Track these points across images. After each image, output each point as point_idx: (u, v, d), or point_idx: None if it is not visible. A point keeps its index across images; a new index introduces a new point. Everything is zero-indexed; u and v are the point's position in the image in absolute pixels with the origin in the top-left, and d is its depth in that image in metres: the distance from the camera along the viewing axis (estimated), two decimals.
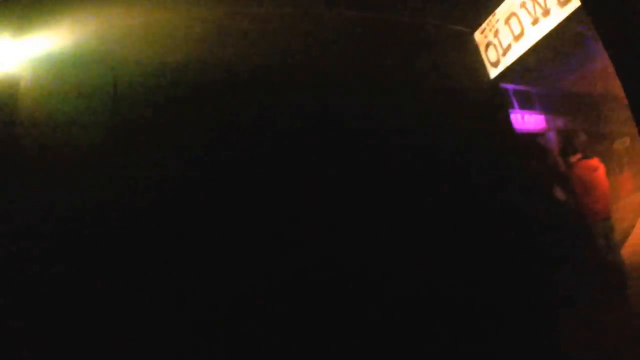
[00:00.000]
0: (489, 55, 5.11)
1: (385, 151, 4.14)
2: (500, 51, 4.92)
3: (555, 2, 4.20)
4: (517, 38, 4.68)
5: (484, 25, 5.18)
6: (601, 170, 5.07)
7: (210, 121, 3.73)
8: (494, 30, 5.01)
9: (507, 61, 4.86)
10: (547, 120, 7.99)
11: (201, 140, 3.65)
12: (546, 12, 4.32)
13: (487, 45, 5.14)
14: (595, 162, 5.16)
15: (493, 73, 5.10)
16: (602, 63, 10.71)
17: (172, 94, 3.68)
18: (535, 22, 4.45)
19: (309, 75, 4.12)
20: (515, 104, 7.21)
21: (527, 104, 7.78)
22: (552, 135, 7.77)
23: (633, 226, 7.75)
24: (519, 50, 4.68)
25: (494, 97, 5.20)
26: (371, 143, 4.13)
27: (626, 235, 7.35)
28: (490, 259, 3.97)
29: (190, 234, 3.35)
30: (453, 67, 5.12)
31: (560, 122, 8.43)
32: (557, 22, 4.21)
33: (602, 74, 11.20)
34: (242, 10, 4.32)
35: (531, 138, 7.42)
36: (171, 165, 3.48)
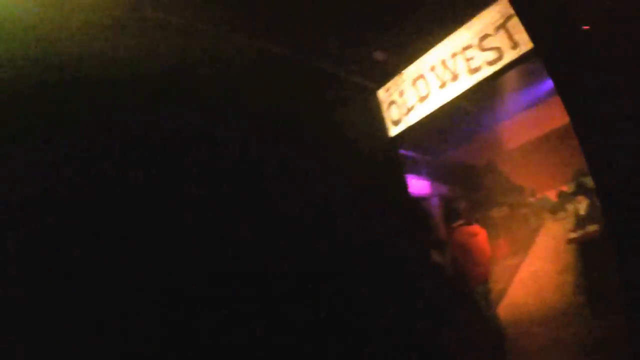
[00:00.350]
0: (391, 114, 4.81)
1: (266, 194, 3.43)
2: (404, 110, 4.65)
3: (465, 69, 4.07)
4: (422, 99, 4.46)
5: (389, 84, 4.94)
6: (481, 236, 5.19)
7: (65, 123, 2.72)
8: (399, 90, 4.77)
9: (408, 121, 4.61)
10: (431, 187, 8.07)
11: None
12: (455, 78, 4.17)
13: (390, 104, 4.86)
14: (475, 228, 5.29)
15: (393, 131, 4.81)
16: (485, 138, 11.61)
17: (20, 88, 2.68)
18: (442, 85, 4.27)
19: (196, 96, 3.34)
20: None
21: (413, 169, 7.80)
22: (436, 201, 7.83)
23: (508, 287, 8.14)
24: (422, 111, 4.47)
25: (390, 155, 4.87)
26: (252, 184, 3.38)
27: (502, 295, 7.71)
28: (374, 317, 3.60)
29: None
30: (353, 120, 4.71)
31: (443, 189, 8.63)
32: (465, 89, 4.07)
33: (485, 147, 12.15)
34: (135, 14, 3.45)
35: (416, 202, 7.38)
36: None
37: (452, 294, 5.11)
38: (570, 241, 6.45)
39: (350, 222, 3.88)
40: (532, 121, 11.00)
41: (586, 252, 6.39)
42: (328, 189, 3.87)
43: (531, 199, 11.92)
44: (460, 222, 5.35)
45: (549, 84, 10.00)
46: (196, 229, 2.82)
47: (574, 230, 6.49)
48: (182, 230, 2.75)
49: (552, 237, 9.17)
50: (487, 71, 3.92)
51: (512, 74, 8.75)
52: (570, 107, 3.14)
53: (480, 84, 4.04)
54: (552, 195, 10.31)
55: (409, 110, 4.57)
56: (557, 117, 10.23)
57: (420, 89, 4.50)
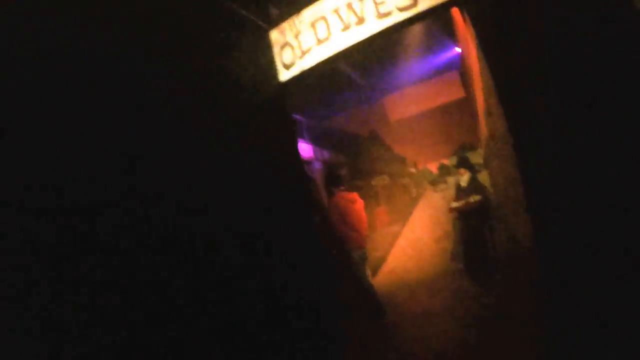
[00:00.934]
0: (284, 57, 4.15)
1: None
2: (298, 53, 4.02)
3: (374, 13, 3.57)
4: (320, 42, 3.88)
5: (284, 24, 4.27)
6: (359, 203, 5.28)
7: None
8: (295, 31, 4.12)
9: (303, 64, 4.02)
10: (314, 151, 7.63)
11: None
12: (361, 21, 3.63)
13: (284, 46, 4.20)
14: (354, 195, 5.37)
15: (284, 75, 4.17)
16: (371, 108, 11.59)
17: None
18: (346, 29, 3.73)
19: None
20: None
21: (297, 132, 7.28)
22: (318, 166, 7.45)
23: (388, 254, 8.31)
24: (320, 55, 3.90)
25: (279, 102, 4.21)
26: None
27: (381, 262, 7.90)
28: (256, 277, 3.14)
29: None
30: (241, 58, 3.99)
31: (327, 155, 8.28)
32: (371, 34, 3.58)
33: (370, 117, 12.18)
34: None
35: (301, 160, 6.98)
36: None
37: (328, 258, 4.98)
38: (452, 210, 6.63)
39: (231, 170, 3.28)
40: (418, 96, 11.21)
41: (465, 221, 6.57)
42: (206, 124, 3.22)
43: (412, 170, 12.26)
44: (342, 188, 5.41)
45: (438, 60, 10.15)
46: None
47: (456, 200, 6.61)
48: None
49: (432, 207, 9.47)
50: (398, 17, 3.46)
51: (403, 46, 8.60)
52: (495, 72, 2.95)
53: (389, 31, 3.56)
54: (433, 167, 10.62)
55: (304, 53, 3.96)
56: (442, 94, 10.55)
57: (319, 31, 3.90)
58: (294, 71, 4.01)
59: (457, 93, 9.99)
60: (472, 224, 6.64)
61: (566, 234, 2.53)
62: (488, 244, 6.54)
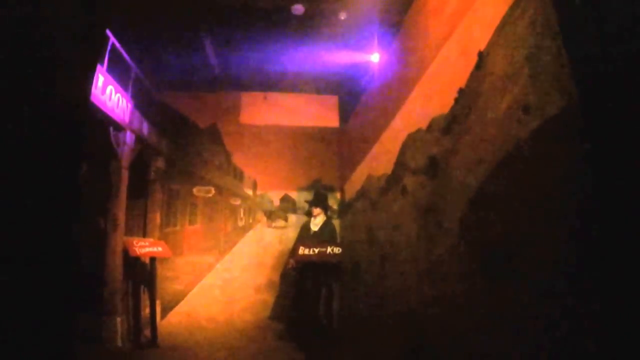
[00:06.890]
0: None
1: None
2: None
3: None
4: None
5: None
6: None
7: None
8: None
9: None
10: (133, 115, 5.84)
11: None
12: None
13: None
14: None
15: None
16: (220, 98, 10.28)
17: None
18: None
19: None
20: (105, 66, 4.94)
21: (121, 78, 5.39)
22: (130, 139, 5.71)
23: (189, 290, 7.48)
24: None
25: None
26: None
27: (179, 299, 7.19)
28: None
29: None
30: None
31: (146, 129, 6.52)
32: None
33: (216, 108, 10.82)
34: None
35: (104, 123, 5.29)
36: None
37: None
38: (298, 258, 5.77)
39: None
40: (283, 106, 10.47)
41: (305, 274, 6.06)
42: None
43: (249, 192, 11.18)
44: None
45: (324, 70, 9.49)
46: None
47: (304, 246, 5.73)
48: None
49: (261, 245, 8.68)
50: None
51: (290, 31, 7.54)
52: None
53: None
54: (275, 196, 9.73)
55: None
56: (313, 115, 9.97)
57: None
58: None
59: (330, 121, 9.46)
60: (314, 280, 5.93)
61: None
62: (328, 307, 6.18)
